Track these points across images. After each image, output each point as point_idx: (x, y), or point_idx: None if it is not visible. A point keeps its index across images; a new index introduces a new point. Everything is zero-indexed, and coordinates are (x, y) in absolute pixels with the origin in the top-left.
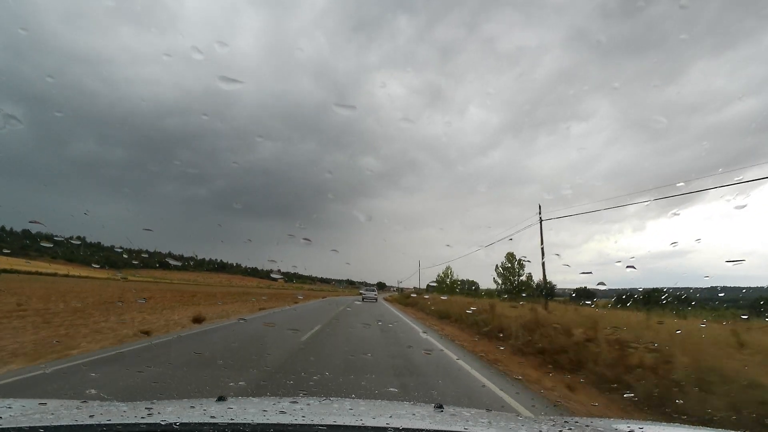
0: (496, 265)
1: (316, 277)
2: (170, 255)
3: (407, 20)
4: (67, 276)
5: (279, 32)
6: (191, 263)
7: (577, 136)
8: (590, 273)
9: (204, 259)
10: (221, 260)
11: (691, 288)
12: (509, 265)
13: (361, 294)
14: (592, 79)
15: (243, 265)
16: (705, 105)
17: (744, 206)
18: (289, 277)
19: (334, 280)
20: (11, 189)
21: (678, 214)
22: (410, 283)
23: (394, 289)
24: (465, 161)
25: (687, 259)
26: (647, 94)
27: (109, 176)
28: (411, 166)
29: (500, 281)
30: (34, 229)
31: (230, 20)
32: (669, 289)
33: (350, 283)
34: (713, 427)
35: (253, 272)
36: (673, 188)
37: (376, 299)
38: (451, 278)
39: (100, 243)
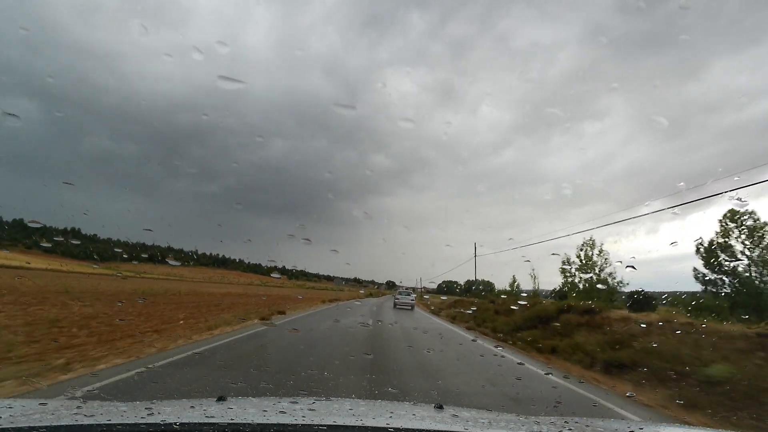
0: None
1: (321, 275)
2: (168, 249)
3: (419, 15)
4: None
5: (290, 27)
6: (186, 259)
7: (592, 135)
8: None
9: (204, 253)
10: (223, 255)
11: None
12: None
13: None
14: (607, 76)
15: (247, 261)
16: (726, 104)
17: (746, 204)
18: (292, 274)
19: (338, 278)
20: (20, 183)
21: (678, 213)
22: (413, 283)
23: (404, 288)
24: (477, 160)
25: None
26: (665, 92)
27: (121, 172)
28: (422, 165)
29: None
30: (31, 225)
31: (241, 15)
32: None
33: (357, 282)
34: (713, 427)
35: (255, 269)
36: (689, 191)
37: (413, 307)
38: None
39: (96, 235)
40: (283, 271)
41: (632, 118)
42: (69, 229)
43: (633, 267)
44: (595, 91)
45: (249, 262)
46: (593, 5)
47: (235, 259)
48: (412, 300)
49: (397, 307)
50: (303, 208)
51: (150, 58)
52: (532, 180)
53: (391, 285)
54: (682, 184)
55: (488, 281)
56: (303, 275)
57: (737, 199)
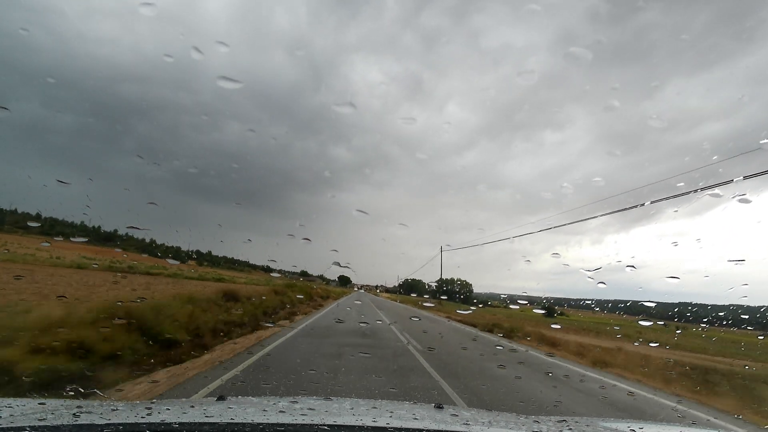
0: None
1: (258, 265)
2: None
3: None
4: None
5: None
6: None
7: (553, 143)
8: (599, 268)
9: (109, 232)
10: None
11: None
12: None
13: None
14: (572, 88)
15: (166, 245)
16: (678, 123)
17: (750, 202)
18: (203, 257)
19: (284, 271)
20: None
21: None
22: (373, 281)
23: (359, 287)
24: (439, 160)
25: (637, 274)
26: (624, 109)
27: (55, 144)
28: (383, 160)
29: None
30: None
31: None
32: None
33: (304, 275)
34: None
35: (151, 249)
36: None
37: None
38: None
39: None
40: (191, 255)
41: (591, 131)
42: None
43: (633, 267)
44: (559, 100)
45: (166, 245)
46: (567, 12)
47: (153, 242)
48: None
49: None
50: (257, 198)
51: (91, 17)
52: (494, 183)
53: (344, 281)
54: (681, 184)
55: (464, 281)
56: (235, 263)
57: (741, 195)
